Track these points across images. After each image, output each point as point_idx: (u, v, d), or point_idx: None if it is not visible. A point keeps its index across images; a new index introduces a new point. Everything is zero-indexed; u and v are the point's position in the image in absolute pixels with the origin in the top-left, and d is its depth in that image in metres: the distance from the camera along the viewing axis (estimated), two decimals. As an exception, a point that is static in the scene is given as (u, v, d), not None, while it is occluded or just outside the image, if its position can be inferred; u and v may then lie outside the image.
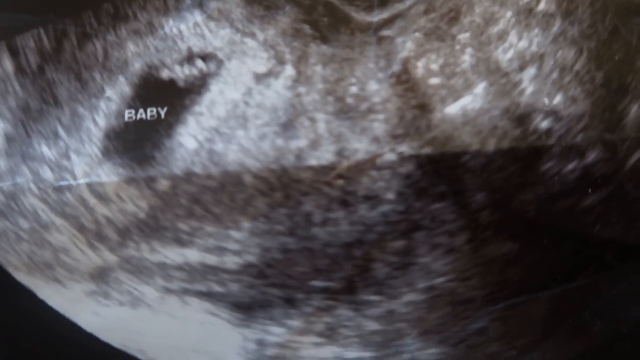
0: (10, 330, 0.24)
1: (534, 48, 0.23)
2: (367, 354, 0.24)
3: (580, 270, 0.23)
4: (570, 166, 0.23)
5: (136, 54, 0.23)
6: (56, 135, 0.23)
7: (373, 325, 0.23)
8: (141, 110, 0.23)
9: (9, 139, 0.23)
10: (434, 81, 0.23)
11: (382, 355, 0.24)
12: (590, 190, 0.23)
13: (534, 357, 0.24)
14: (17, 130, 0.23)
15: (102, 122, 0.23)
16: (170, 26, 0.24)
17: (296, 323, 0.24)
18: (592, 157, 0.23)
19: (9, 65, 0.24)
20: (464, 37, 0.23)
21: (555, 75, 0.23)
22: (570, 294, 0.23)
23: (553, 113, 0.23)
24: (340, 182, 0.23)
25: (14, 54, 0.24)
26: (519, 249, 0.23)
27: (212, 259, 0.23)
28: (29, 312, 0.24)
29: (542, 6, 0.23)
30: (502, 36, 0.23)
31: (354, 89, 0.23)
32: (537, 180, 0.23)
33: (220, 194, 0.23)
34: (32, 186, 0.23)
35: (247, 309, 0.23)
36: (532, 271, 0.23)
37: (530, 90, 0.23)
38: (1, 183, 0.23)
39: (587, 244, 0.23)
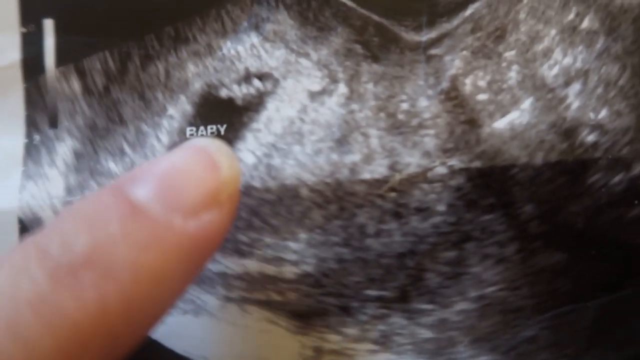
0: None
1: (579, 64, 0.24)
2: (419, 361, 0.24)
3: (627, 280, 0.24)
4: (617, 178, 0.23)
5: (196, 74, 0.25)
6: (122, 152, 0.25)
7: (426, 333, 0.24)
8: (201, 127, 0.24)
9: (78, 155, 0.25)
10: (482, 97, 0.24)
11: (434, 362, 0.24)
12: (636, 201, 0.23)
13: (583, 364, 0.24)
14: (85, 147, 0.25)
15: (164, 138, 0.25)
16: (228, 47, 0.25)
17: (351, 330, 0.24)
18: (637, 169, 0.23)
19: (76, 86, 0.25)
20: (509, 54, 0.24)
21: (600, 90, 0.24)
22: (618, 303, 0.24)
23: (599, 127, 0.23)
24: (393, 194, 0.24)
25: (81, 75, 0.25)
26: (567, 259, 0.24)
27: (270, 269, 0.24)
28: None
29: (585, 24, 0.24)
30: (547, 53, 0.24)
31: (404, 105, 0.24)
32: (584, 192, 0.23)
33: (277, 207, 0.24)
34: (100, 200, 0.24)
35: (304, 317, 0.24)
36: (580, 281, 0.24)
37: (575, 104, 0.24)
38: (71, 197, 0.25)
39: (634, 254, 0.24)
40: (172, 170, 0.18)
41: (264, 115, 0.24)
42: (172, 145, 0.25)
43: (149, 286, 0.16)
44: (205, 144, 0.19)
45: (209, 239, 0.18)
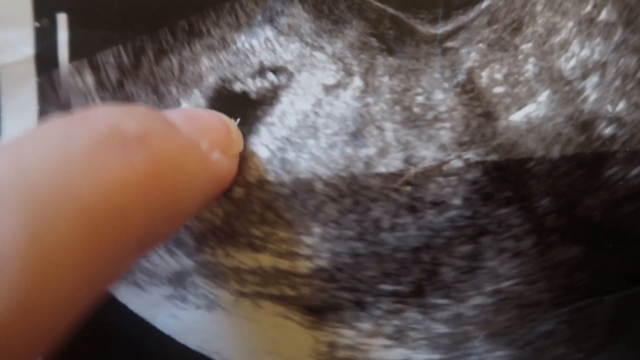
0: (92, 333, 0.25)
1: (596, 56, 0.23)
2: (435, 356, 0.24)
3: (645, 274, 0.24)
4: (635, 171, 0.23)
5: (210, 67, 0.25)
6: (135, 146, 0.25)
7: (441, 328, 0.24)
8: (215, 121, 0.24)
9: (92, 150, 0.25)
10: (498, 90, 0.24)
11: (450, 357, 0.24)
12: (654, 195, 0.23)
13: (600, 359, 0.24)
14: (98, 142, 0.25)
15: (178, 132, 0.24)
16: (242, 41, 0.25)
17: (366, 325, 0.24)
18: (656, 162, 0.23)
19: (90, 80, 0.25)
20: (526, 46, 0.24)
21: (617, 82, 0.23)
22: (636, 297, 0.24)
23: (616, 119, 0.23)
24: (408, 188, 0.24)
25: (95, 69, 0.25)
26: (585, 253, 0.23)
27: (284, 264, 0.24)
28: (109, 315, 0.25)
29: (603, 15, 0.24)
30: (564, 45, 0.24)
31: (420, 98, 0.24)
32: (601, 185, 0.23)
33: (291, 201, 0.24)
34: (114, 194, 0.24)
35: (318, 312, 0.24)
36: (597, 274, 0.24)
37: (593, 97, 0.23)
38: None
39: (652, 248, 0.24)
40: (195, 112, 0.21)
41: (278, 109, 0.24)
42: (186, 139, 0.24)
43: (183, 183, 0.17)
44: (217, 112, 0.22)
45: (221, 177, 0.20)
